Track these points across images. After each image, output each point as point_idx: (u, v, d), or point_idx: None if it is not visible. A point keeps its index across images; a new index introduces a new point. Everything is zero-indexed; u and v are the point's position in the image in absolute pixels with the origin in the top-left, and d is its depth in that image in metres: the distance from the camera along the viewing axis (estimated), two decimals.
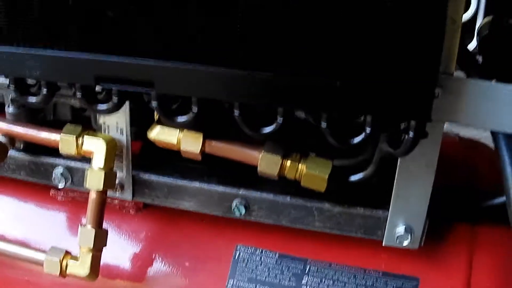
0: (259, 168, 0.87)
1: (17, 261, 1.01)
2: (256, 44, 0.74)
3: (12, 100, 0.99)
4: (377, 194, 0.92)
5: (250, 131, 0.82)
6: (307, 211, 0.94)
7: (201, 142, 0.88)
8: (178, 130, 0.88)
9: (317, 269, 0.96)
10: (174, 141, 0.88)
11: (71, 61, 0.82)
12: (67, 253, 0.94)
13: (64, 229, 1.05)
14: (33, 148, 1.01)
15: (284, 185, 0.94)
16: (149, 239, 1.02)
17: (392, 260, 0.96)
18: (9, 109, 1.00)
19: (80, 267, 0.92)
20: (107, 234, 0.93)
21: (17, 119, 1.00)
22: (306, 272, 0.96)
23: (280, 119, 0.79)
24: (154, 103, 0.83)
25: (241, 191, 0.95)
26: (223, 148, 0.88)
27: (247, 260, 0.97)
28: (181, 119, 0.84)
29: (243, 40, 0.74)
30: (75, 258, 0.93)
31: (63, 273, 0.93)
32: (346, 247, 0.98)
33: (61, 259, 0.93)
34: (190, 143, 0.88)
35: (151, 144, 0.94)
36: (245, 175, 0.95)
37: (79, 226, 0.92)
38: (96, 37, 0.79)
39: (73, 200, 1.05)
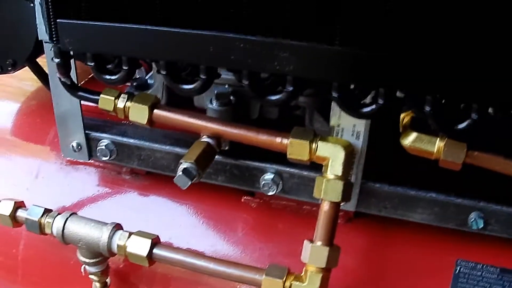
0: None
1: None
2: None
3: (218, 96, 0.86)
4: None
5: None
6: None
7: (464, 152, 0.78)
8: (438, 138, 0.78)
9: None
10: (434, 150, 0.78)
11: (334, 57, 0.69)
12: (289, 272, 0.82)
13: (259, 240, 0.93)
14: (235, 151, 0.88)
15: None
16: (358, 251, 0.92)
17: None
18: (213, 106, 0.87)
19: None
20: (339, 252, 0.81)
21: (221, 117, 0.87)
22: None
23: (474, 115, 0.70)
24: (428, 108, 0.70)
25: (481, 204, 0.86)
26: (486, 159, 0.79)
27: (468, 276, 0.89)
28: (460, 126, 0.72)
29: None
30: (298, 278, 0.81)
31: None
32: None
33: (284, 279, 0.81)
34: (453, 154, 0.77)
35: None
36: (480, 186, 0.87)
37: (307, 242, 0.80)
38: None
39: (269, 208, 0.93)
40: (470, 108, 0.70)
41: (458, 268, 0.90)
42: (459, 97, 0.70)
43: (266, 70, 0.73)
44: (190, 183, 0.81)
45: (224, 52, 0.73)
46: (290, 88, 0.74)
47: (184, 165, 0.81)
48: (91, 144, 0.96)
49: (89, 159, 0.97)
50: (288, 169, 0.89)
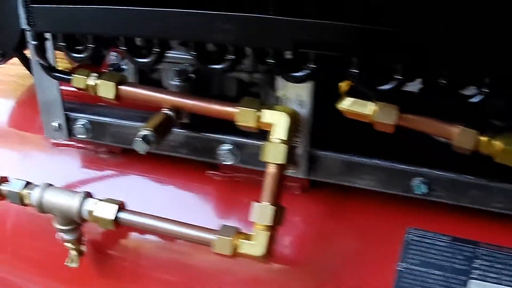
0: (454, 143, 0.82)
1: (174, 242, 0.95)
2: None
3: (177, 73, 0.95)
4: None
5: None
6: (488, 192, 0.89)
7: (397, 115, 0.83)
8: (373, 102, 0.83)
9: (488, 252, 0.90)
10: (369, 113, 0.83)
11: (268, 24, 0.76)
12: (239, 231, 0.88)
13: (222, 211, 0.99)
14: (196, 125, 0.96)
15: (462, 163, 0.89)
16: (315, 221, 0.97)
17: None
18: (174, 82, 0.95)
19: (254, 247, 0.87)
20: (284, 211, 0.88)
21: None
22: (477, 255, 0.91)
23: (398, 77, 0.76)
24: (354, 71, 0.77)
25: (423, 169, 0.90)
26: (418, 121, 0.84)
27: (419, 243, 0.92)
28: (384, 88, 0.79)
29: None
30: (247, 236, 0.87)
31: (234, 253, 0.87)
32: None
33: (233, 238, 0.87)
34: (385, 116, 0.83)
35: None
36: (424, 152, 0.91)
37: (254, 202, 0.86)
38: None
39: (231, 180, 1.00)
40: (395, 70, 0.76)
41: (409, 236, 0.93)
42: (382, 60, 0.77)
43: (209, 41, 0.82)
44: (148, 148, 0.89)
45: (172, 26, 0.81)
46: (232, 57, 0.82)
47: (142, 132, 0.89)
48: (70, 124, 1.05)
49: (68, 138, 1.06)
50: (245, 140, 0.95)
